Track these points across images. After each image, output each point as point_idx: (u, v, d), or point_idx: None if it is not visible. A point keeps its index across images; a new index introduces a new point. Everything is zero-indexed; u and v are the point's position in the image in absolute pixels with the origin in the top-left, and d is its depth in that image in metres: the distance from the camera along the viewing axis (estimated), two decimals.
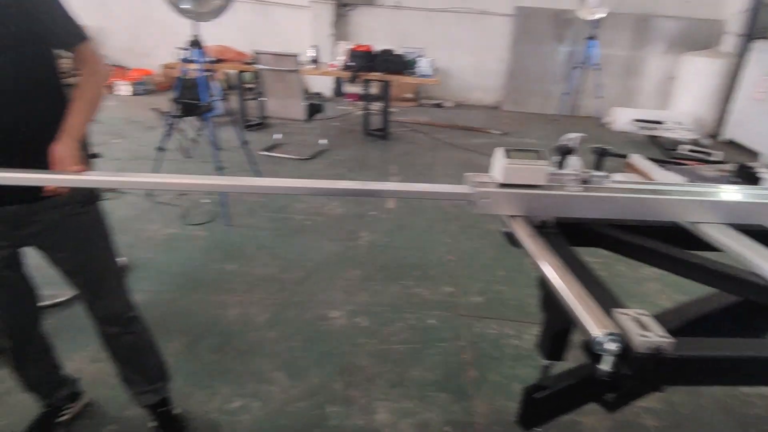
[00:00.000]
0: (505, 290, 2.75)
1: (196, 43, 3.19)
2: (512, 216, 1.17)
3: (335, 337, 2.31)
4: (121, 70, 7.23)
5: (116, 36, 7.41)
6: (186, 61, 3.49)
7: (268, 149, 4.93)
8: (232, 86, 6.75)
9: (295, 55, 4.52)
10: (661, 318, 1.24)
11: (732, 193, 1.26)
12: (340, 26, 7.53)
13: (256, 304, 2.52)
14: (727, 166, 4.60)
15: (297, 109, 4.69)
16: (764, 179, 2.71)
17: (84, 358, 2.09)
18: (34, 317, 1.60)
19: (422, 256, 3.10)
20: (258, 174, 3.99)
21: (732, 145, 6.18)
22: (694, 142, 5.72)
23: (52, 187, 1.19)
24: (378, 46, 5.49)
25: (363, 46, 5.43)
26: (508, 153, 1.13)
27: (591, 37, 6.79)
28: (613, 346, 0.79)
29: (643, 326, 0.82)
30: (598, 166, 3.22)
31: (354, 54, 5.34)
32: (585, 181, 1.20)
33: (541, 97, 7.66)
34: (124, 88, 7.06)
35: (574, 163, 1.21)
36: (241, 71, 5.67)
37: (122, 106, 6.47)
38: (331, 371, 2.10)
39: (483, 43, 7.58)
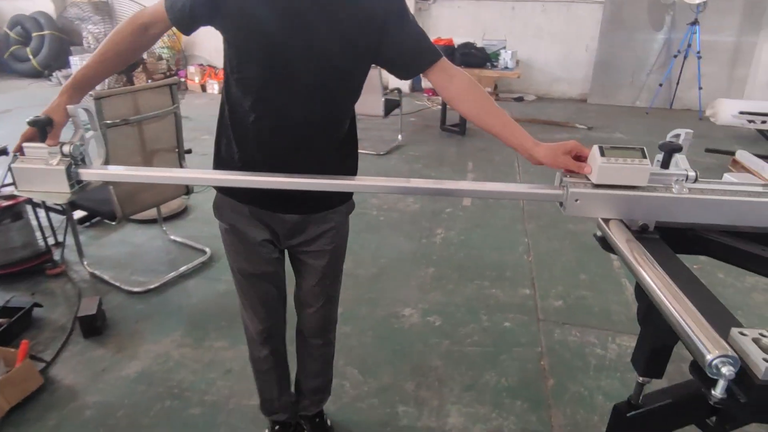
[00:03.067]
0: (588, 295, 2.58)
1: None
2: (607, 219, 1.08)
3: (408, 336, 2.28)
4: (212, 70, 7.65)
5: (209, 35, 7.83)
6: None
7: None
8: None
9: None
10: None
11: None
12: (421, 20, 7.46)
13: None
14: None
15: (375, 105, 4.70)
16: None
17: (171, 342, 2.22)
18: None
19: (499, 256, 2.99)
20: None
21: None
22: None
23: None
24: (459, 40, 5.38)
25: (443, 39, 5.34)
26: (604, 151, 1.02)
27: (693, 23, 6.22)
28: (728, 371, 0.69)
29: (766, 350, 0.71)
30: (664, 165, 2.88)
31: None
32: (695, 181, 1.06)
33: (632, 89, 7.14)
34: (214, 87, 7.46)
35: (680, 162, 1.07)
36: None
37: (212, 104, 6.85)
38: (403, 370, 2.07)
39: (570, 33, 7.19)
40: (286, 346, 1.65)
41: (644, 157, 1.02)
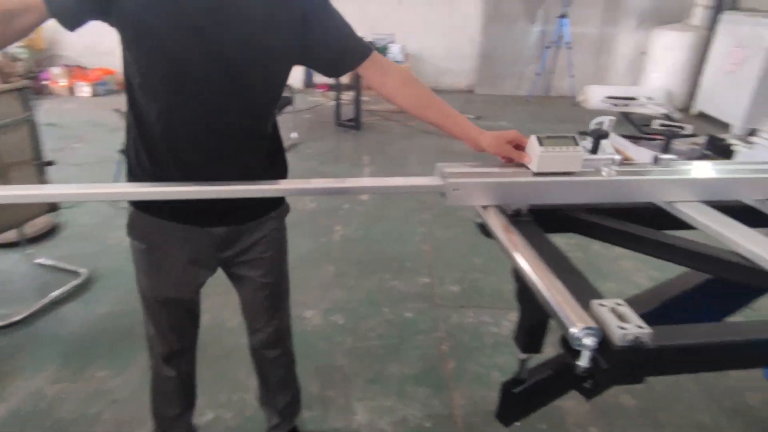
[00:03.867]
0: (481, 278, 2.70)
1: None
2: (485, 206, 1.11)
3: (310, 338, 2.24)
4: (80, 71, 6.95)
5: (75, 33, 7.05)
6: None
7: None
8: None
9: None
10: (635, 302, 1.20)
11: (708, 169, 1.22)
12: None
13: (228, 307, 2.41)
14: (699, 139, 4.63)
15: None
16: (737, 152, 2.70)
17: (45, 378, 1.98)
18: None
19: (398, 247, 3.04)
20: None
21: (703, 117, 6.24)
22: (666, 117, 5.75)
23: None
24: None
25: None
26: (542, 140, 1.07)
27: (562, 16, 6.77)
28: (590, 341, 0.73)
29: (621, 317, 0.77)
30: (594, 150, 3.11)
31: None
32: (620, 165, 1.15)
33: (514, 79, 7.62)
34: (84, 89, 6.79)
35: (607, 147, 1.15)
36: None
37: (82, 109, 6.23)
38: (307, 373, 2.01)
39: (455, 26, 7.49)
40: (195, 365, 1.52)
41: (576, 144, 1.08)
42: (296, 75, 7.45)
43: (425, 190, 1.18)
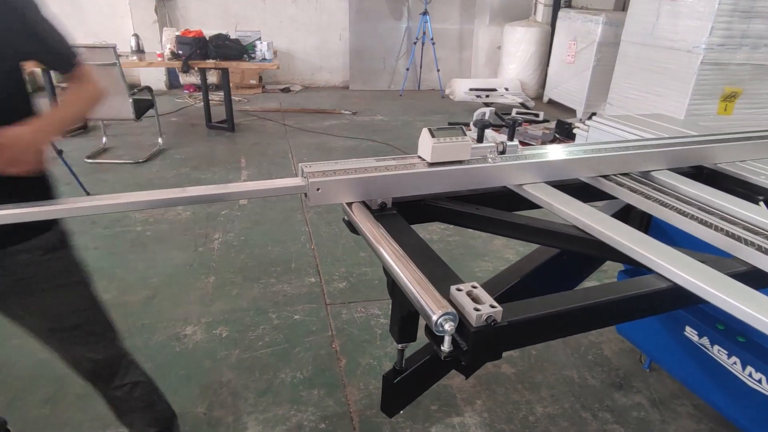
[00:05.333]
0: (368, 271, 2.75)
1: None
2: (349, 203, 1.12)
3: (193, 356, 2.11)
4: None
5: None
6: None
7: (94, 156, 4.35)
8: (40, 87, 5.81)
9: (112, 47, 3.99)
10: (500, 278, 1.29)
11: (550, 152, 1.34)
12: (166, 12, 6.87)
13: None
14: (550, 124, 5.13)
15: (122, 107, 4.17)
16: (578, 135, 3.04)
17: None
18: None
19: (282, 249, 2.97)
20: (82, 187, 3.48)
21: (552, 104, 6.92)
22: (522, 105, 6.30)
23: None
24: (209, 31, 5.10)
25: (192, 31, 5.00)
26: (433, 133, 1.12)
27: (424, 13, 7.07)
28: (449, 326, 0.77)
29: (476, 299, 0.81)
30: (479, 139, 3.28)
31: (182, 41, 4.88)
32: (503, 152, 1.22)
33: (387, 74, 7.82)
34: None
35: (491, 136, 1.21)
36: (46, 69, 4.89)
37: None
38: (191, 395, 1.90)
39: (323, 24, 7.47)
40: None
41: (464, 134, 1.14)
42: (158, 76, 6.93)
43: (288, 191, 1.16)
